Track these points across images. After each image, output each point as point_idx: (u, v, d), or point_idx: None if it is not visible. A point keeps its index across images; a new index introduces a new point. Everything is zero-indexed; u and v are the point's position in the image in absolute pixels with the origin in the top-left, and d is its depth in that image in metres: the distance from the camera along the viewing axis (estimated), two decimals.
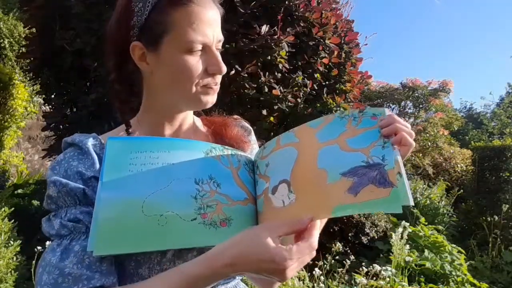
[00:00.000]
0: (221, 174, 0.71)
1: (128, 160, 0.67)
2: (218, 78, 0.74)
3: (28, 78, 4.67)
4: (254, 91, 2.40)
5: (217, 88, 0.75)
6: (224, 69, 0.73)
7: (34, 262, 2.24)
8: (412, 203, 0.57)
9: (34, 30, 2.91)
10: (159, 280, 0.60)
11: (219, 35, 0.72)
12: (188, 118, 0.82)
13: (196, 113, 0.87)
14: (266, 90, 2.43)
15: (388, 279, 2.44)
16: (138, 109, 0.80)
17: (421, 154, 7.76)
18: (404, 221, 2.85)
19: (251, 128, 0.92)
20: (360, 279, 2.35)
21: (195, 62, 0.69)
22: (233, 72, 2.33)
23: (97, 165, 0.67)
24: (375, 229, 3.45)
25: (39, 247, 2.09)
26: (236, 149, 0.78)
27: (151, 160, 0.68)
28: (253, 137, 0.91)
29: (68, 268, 0.60)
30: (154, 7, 0.68)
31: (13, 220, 2.65)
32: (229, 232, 0.64)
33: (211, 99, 0.75)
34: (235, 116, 0.92)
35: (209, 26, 0.69)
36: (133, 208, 0.63)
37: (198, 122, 0.88)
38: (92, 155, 0.68)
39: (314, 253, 0.60)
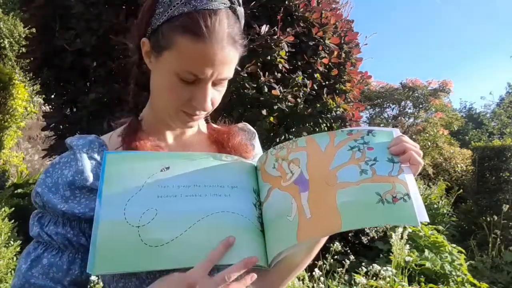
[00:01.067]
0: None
1: (128, 176, 0.66)
2: (202, 113, 0.72)
3: (28, 78, 4.68)
4: (254, 91, 2.40)
5: (200, 117, 0.73)
6: (208, 107, 0.69)
7: None
8: (418, 224, 0.59)
9: (34, 30, 2.91)
10: None
11: (222, 74, 0.67)
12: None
13: (204, 119, 0.87)
14: (266, 90, 2.43)
15: (388, 279, 2.44)
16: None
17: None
18: None
19: (255, 132, 0.92)
20: (360, 279, 2.35)
21: (180, 89, 0.67)
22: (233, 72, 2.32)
23: (86, 173, 0.67)
24: (375, 229, 3.45)
25: None
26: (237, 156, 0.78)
27: (152, 176, 0.67)
28: (257, 141, 0.91)
29: (34, 278, 0.65)
30: (168, 19, 0.65)
31: (13, 220, 2.65)
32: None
33: (191, 124, 0.74)
34: (240, 124, 0.91)
35: (211, 65, 0.65)
36: (131, 231, 0.61)
37: (203, 127, 0.87)
38: (83, 162, 0.68)
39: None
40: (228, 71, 0.69)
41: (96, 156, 0.70)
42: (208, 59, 0.64)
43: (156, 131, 0.78)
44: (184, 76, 0.66)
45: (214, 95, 0.71)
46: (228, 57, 0.67)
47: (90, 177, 0.67)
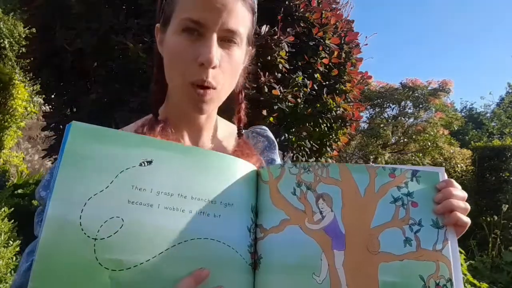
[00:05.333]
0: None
1: (97, 162, 0.49)
2: (213, 75, 0.63)
3: (28, 78, 4.67)
4: (254, 91, 2.40)
5: (211, 94, 0.64)
6: (212, 59, 0.60)
7: None
8: None
9: (34, 30, 2.91)
10: None
11: (227, 23, 0.61)
12: (209, 123, 0.75)
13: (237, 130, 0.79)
14: (266, 90, 2.43)
15: None
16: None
17: (421, 154, 7.76)
18: None
19: (274, 141, 0.83)
20: None
21: (184, 45, 0.61)
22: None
23: None
24: None
25: None
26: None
27: (127, 170, 0.50)
28: (276, 153, 0.82)
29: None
30: None
31: (13, 220, 2.65)
32: None
33: (204, 107, 0.65)
34: (258, 128, 0.84)
35: (213, 9, 0.60)
36: (85, 243, 0.46)
37: (230, 138, 0.79)
38: None
39: None
40: (234, 22, 0.62)
41: None
42: (209, 1, 0.60)
43: (174, 129, 0.71)
44: (185, 25, 0.61)
45: (223, 57, 0.63)
46: (231, 4, 0.62)
47: None
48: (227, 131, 0.81)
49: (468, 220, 0.58)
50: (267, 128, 0.85)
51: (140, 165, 0.51)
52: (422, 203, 0.59)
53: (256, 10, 0.70)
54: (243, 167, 0.59)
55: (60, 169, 0.47)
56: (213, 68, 0.62)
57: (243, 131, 0.82)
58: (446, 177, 0.61)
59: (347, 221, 0.57)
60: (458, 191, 0.58)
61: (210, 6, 0.60)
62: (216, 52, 0.62)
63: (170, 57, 0.64)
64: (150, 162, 0.52)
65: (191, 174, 0.54)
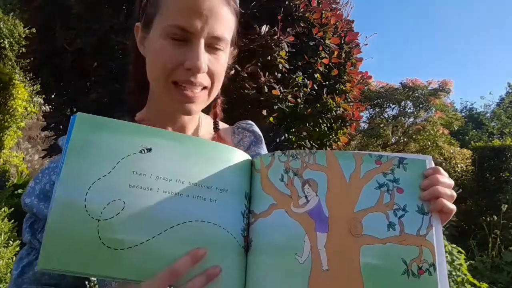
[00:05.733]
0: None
1: (99, 150, 0.53)
2: (199, 78, 0.63)
3: (28, 78, 4.67)
4: (254, 91, 2.40)
5: (197, 93, 0.64)
6: (200, 66, 0.61)
7: None
8: None
9: (34, 30, 2.91)
10: None
11: (213, 30, 0.62)
12: (191, 123, 0.76)
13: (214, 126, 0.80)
14: (266, 90, 2.43)
15: None
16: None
17: (421, 154, 7.73)
18: None
19: (261, 136, 0.83)
20: None
21: (170, 50, 0.61)
22: (233, 72, 2.33)
23: None
24: None
25: None
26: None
27: (128, 157, 0.54)
28: (263, 147, 0.83)
29: (26, 284, 0.63)
30: None
31: (12, 220, 2.65)
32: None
33: (189, 107, 0.65)
34: (243, 123, 0.84)
35: (199, 15, 0.60)
36: (89, 223, 0.49)
37: (209, 132, 0.80)
38: None
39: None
40: (220, 28, 0.63)
41: None
42: (195, 7, 0.60)
43: (157, 126, 0.73)
44: (172, 32, 0.61)
45: (211, 61, 0.64)
46: (217, 9, 0.62)
47: None
48: (210, 127, 0.82)
49: (453, 207, 0.58)
50: (253, 123, 0.85)
51: (140, 152, 0.54)
52: (407, 190, 0.59)
53: (238, 12, 0.71)
54: (238, 156, 0.62)
55: (66, 156, 0.51)
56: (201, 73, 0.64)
57: (230, 127, 0.83)
58: (433, 165, 0.61)
59: (331, 205, 0.58)
60: (445, 178, 0.58)
61: (197, 12, 0.60)
62: (204, 57, 0.63)
63: (155, 59, 0.64)
64: (149, 150, 0.55)
65: (188, 161, 0.57)
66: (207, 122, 0.81)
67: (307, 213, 0.58)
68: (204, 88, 0.66)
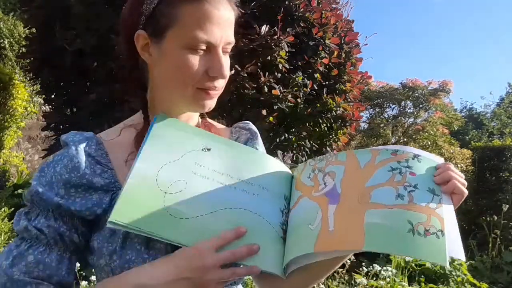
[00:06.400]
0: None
1: (171, 143, 0.67)
2: (219, 83, 0.70)
3: (28, 78, 4.67)
4: (254, 91, 2.40)
5: (216, 93, 0.71)
6: (226, 73, 0.69)
7: None
8: (447, 264, 0.54)
9: (34, 30, 2.91)
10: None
11: (228, 37, 0.69)
12: (191, 120, 0.79)
13: (201, 115, 0.84)
14: (266, 90, 2.43)
15: (388, 279, 2.44)
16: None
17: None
18: None
19: (256, 132, 0.87)
20: (360, 279, 2.35)
21: (196, 61, 0.66)
22: (233, 72, 2.33)
23: (82, 170, 0.65)
24: None
25: None
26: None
27: (192, 151, 0.68)
28: (259, 142, 0.86)
29: (17, 275, 0.61)
30: None
31: (12, 220, 2.65)
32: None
33: (209, 104, 0.71)
34: (242, 123, 0.87)
35: (217, 26, 0.66)
36: (158, 194, 0.62)
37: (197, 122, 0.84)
38: (80, 158, 0.66)
39: (240, 272, 0.60)
40: (231, 34, 0.70)
41: (93, 153, 0.68)
42: (215, 19, 0.66)
43: None
44: (195, 44, 0.65)
45: (226, 63, 0.70)
46: (230, 17, 0.69)
47: (87, 174, 0.65)
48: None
49: (465, 190, 0.61)
50: (249, 122, 0.88)
51: (202, 150, 0.69)
52: (420, 174, 0.63)
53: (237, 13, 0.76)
54: (278, 165, 0.76)
55: (147, 141, 0.66)
56: None
57: (229, 128, 0.86)
58: None
59: (344, 185, 0.66)
60: (457, 170, 0.63)
61: (216, 24, 0.66)
62: (224, 62, 0.69)
63: (180, 69, 0.67)
64: (209, 149, 0.70)
65: (238, 162, 0.71)
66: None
67: (324, 194, 0.66)
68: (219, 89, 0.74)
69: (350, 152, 0.70)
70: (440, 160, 0.66)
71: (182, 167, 0.65)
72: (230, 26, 0.69)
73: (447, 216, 0.58)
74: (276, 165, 0.75)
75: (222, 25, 0.67)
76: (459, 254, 0.56)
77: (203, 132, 0.72)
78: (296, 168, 0.76)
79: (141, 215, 0.59)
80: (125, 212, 0.59)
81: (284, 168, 0.76)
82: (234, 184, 0.67)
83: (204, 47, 0.66)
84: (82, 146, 0.68)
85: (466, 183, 0.63)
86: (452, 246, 0.55)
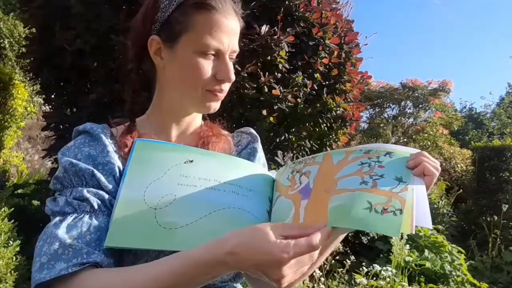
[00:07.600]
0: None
1: (153, 162, 0.69)
2: (226, 86, 0.77)
3: (28, 78, 4.67)
4: (254, 91, 2.40)
5: (222, 96, 0.78)
6: (233, 77, 0.75)
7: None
8: (398, 235, 0.58)
9: (34, 30, 2.91)
10: (161, 261, 0.59)
11: (234, 45, 0.76)
12: (195, 121, 0.84)
13: (203, 117, 0.89)
14: (266, 90, 2.43)
15: (388, 279, 2.44)
16: (147, 109, 0.84)
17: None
18: None
19: (257, 136, 0.91)
20: (360, 279, 2.35)
21: (206, 65, 0.72)
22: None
23: (108, 151, 0.70)
24: None
25: None
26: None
27: (175, 166, 0.70)
28: (259, 146, 0.89)
29: (70, 240, 0.59)
30: (178, 6, 0.72)
31: (13, 220, 2.65)
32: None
33: (214, 105, 0.78)
34: (243, 129, 0.91)
35: (226, 35, 0.73)
36: (148, 211, 0.64)
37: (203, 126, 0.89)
38: (104, 141, 0.71)
39: (314, 258, 0.59)
40: (236, 43, 0.77)
41: (109, 139, 0.73)
42: (224, 29, 0.72)
43: (162, 129, 0.80)
44: (206, 50, 0.72)
45: (232, 68, 0.76)
46: (237, 26, 0.76)
47: (108, 152, 0.70)
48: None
49: (435, 171, 0.64)
50: (250, 128, 0.94)
51: (185, 162, 0.71)
52: (389, 167, 0.65)
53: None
54: (259, 169, 0.79)
55: (128, 169, 0.68)
56: None
57: (230, 133, 0.91)
58: None
59: (316, 180, 0.69)
60: (430, 156, 0.66)
61: (225, 33, 0.73)
62: (231, 67, 0.75)
63: (192, 72, 0.73)
64: (191, 161, 0.71)
65: (222, 168, 0.73)
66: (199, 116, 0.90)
67: (298, 191, 0.69)
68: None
69: (327, 153, 0.74)
70: (416, 151, 0.69)
71: (168, 181, 0.67)
72: (236, 36, 0.76)
73: (417, 196, 0.60)
74: (259, 170, 0.79)
75: (229, 34, 0.73)
76: (427, 224, 0.59)
77: (181, 147, 0.75)
78: (278, 171, 0.80)
79: (134, 234, 0.62)
80: (118, 236, 0.61)
81: (267, 173, 0.80)
82: (224, 187, 0.70)
83: (213, 53, 0.73)
84: (103, 134, 0.73)
85: (439, 167, 0.66)
86: (421, 218, 0.58)
